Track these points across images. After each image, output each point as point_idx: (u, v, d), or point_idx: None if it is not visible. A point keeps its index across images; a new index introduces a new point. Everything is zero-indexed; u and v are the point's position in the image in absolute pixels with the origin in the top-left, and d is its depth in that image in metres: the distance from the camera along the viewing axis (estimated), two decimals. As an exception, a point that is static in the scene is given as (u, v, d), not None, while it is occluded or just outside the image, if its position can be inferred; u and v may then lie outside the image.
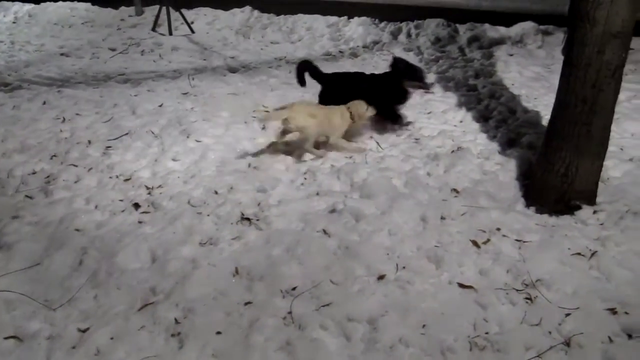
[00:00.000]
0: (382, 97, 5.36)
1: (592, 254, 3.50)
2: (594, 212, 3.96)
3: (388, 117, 5.52)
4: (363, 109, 5.09)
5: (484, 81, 6.90)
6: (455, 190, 4.30)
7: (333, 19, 10.35)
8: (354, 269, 3.38)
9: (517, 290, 3.21)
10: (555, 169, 4.01)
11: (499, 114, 5.78)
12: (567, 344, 2.82)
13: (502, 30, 9.12)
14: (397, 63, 5.51)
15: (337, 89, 5.49)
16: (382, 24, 9.98)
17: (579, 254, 3.51)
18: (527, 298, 3.15)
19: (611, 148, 4.18)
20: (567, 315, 3.00)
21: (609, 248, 3.55)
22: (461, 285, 3.25)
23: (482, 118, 5.75)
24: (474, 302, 3.12)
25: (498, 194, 4.23)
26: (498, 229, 3.74)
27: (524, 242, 3.63)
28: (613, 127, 4.04)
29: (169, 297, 3.19)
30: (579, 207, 3.98)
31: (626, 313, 3.01)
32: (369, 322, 2.97)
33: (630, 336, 2.87)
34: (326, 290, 3.22)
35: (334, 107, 5.15)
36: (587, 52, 3.75)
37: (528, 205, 4.11)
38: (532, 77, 7.08)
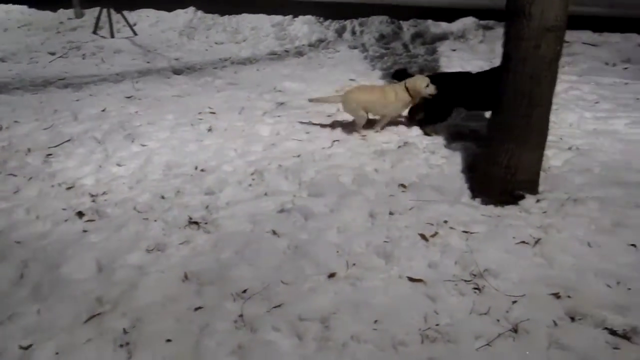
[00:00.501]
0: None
1: (536, 242, 3.59)
2: (537, 200, 4.07)
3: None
4: (422, 85, 5.21)
5: (428, 76, 7.02)
6: (402, 185, 4.35)
7: (278, 18, 10.33)
8: (304, 268, 3.37)
9: (466, 281, 3.26)
10: (499, 160, 4.10)
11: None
12: (515, 330, 2.88)
13: (444, 26, 9.30)
14: None
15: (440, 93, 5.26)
16: (327, 22, 10.03)
17: (523, 242, 3.59)
18: (475, 288, 3.21)
19: (551, 138, 4.30)
20: (514, 302, 3.07)
21: (551, 235, 3.65)
22: (411, 279, 3.28)
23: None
24: (424, 295, 3.15)
25: (444, 187, 4.30)
26: (445, 222, 3.80)
27: (471, 233, 3.69)
28: (552, 118, 4.15)
29: (116, 307, 3.11)
30: (522, 197, 4.08)
31: (569, 297, 3.10)
32: (321, 321, 2.97)
33: (573, 319, 2.96)
34: (277, 291, 3.20)
35: (391, 85, 5.46)
36: (524, 46, 3.85)
37: (474, 196, 4.20)
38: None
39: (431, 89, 5.21)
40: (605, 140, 5.09)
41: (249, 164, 4.77)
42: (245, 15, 10.52)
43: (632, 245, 3.57)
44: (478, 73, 5.52)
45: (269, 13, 10.54)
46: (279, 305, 3.09)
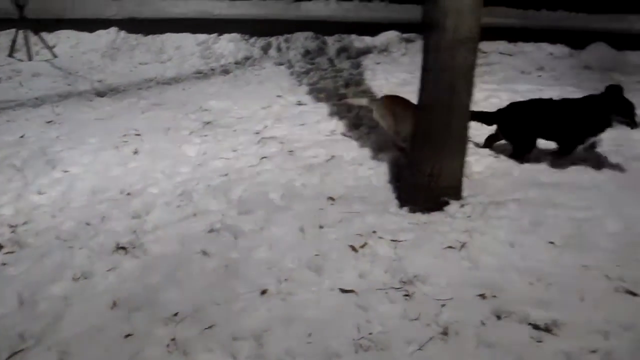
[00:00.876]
0: (572, 125, 4.88)
1: (462, 246, 3.70)
2: (461, 206, 4.19)
3: (563, 149, 5.03)
4: None
5: (354, 90, 7.16)
6: (331, 198, 4.40)
7: (203, 36, 10.28)
8: (236, 287, 3.34)
9: (396, 288, 3.32)
10: (422, 169, 4.21)
11: (369, 121, 5.99)
12: (445, 333, 2.95)
13: (367, 40, 9.53)
14: (611, 93, 4.76)
15: (515, 120, 5.05)
16: (253, 40, 10.07)
17: (450, 247, 3.69)
18: (405, 295, 3.27)
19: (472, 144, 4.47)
20: (443, 306, 3.15)
21: (475, 238, 3.77)
22: (343, 291, 3.30)
23: (354, 126, 5.95)
24: (356, 305, 3.18)
25: (372, 197, 4.38)
26: (374, 232, 3.86)
27: (399, 241, 3.76)
28: (474, 125, 4.31)
29: (41, 342, 2.97)
30: (447, 203, 4.20)
31: (494, 296, 3.21)
32: (254, 339, 2.94)
33: (499, 317, 3.06)
34: (209, 312, 3.15)
35: None
36: (440, 57, 3.98)
37: (401, 205, 4.29)
38: (399, 83, 7.43)
39: None
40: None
41: (176, 185, 4.71)
42: (169, 35, 10.41)
43: (551, 242, 3.76)
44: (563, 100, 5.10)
45: (193, 32, 10.47)
46: (211, 327, 3.04)
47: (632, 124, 4.69)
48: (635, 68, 9.11)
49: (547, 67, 9.10)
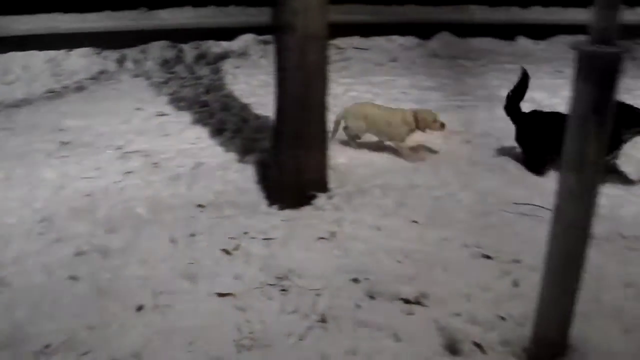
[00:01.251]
0: None
1: (332, 235, 3.86)
2: (329, 197, 4.35)
3: None
4: (430, 118, 5.09)
5: (215, 96, 7.14)
6: (200, 205, 4.37)
7: (52, 53, 9.66)
8: (110, 307, 3.22)
9: (272, 285, 3.38)
10: (286, 166, 4.32)
11: (233, 125, 6.03)
12: (323, 320, 3.06)
13: (225, 45, 9.53)
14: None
15: (534, 129, 4.92)
16: (106, 53, 9.63)
17: (321, 238, 3.83)
18: (282, 290, 3.34)
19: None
20: (319, 295, 3.26)
21: (344, 227, 3.95)
22: (220, 295, 3.30)
23: (217, 131, 5.93)
24: (234, 307, 3.20)
25: (241, 200, 4.41)
26: (246, 233, 3.90)
27: (272, 239, 3.84)
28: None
29: None
30: (315, 196, 4.33)
31: (366, 279, 3.38)
32: (134, 357, 2.86)
33: (372, 297, 3.24)
34: (83, 338, 3.01)
35: (397, 110, 5.28)
36: (293, 57, 4.11)
37: (270, 204, 4.35)
38: (259, 85, 7.52)
39: (440, 125, 5.14)
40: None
41: (35, 211, 4.41)
42: (13, 54, 9.66)
43: (414, 221, 4.04)
44: None
45: (41, 49, 9.84)
46: (87, 353, 2.91)
47: None
48: (477, 53, 9.93)
49: (400, 57, 9.64)
